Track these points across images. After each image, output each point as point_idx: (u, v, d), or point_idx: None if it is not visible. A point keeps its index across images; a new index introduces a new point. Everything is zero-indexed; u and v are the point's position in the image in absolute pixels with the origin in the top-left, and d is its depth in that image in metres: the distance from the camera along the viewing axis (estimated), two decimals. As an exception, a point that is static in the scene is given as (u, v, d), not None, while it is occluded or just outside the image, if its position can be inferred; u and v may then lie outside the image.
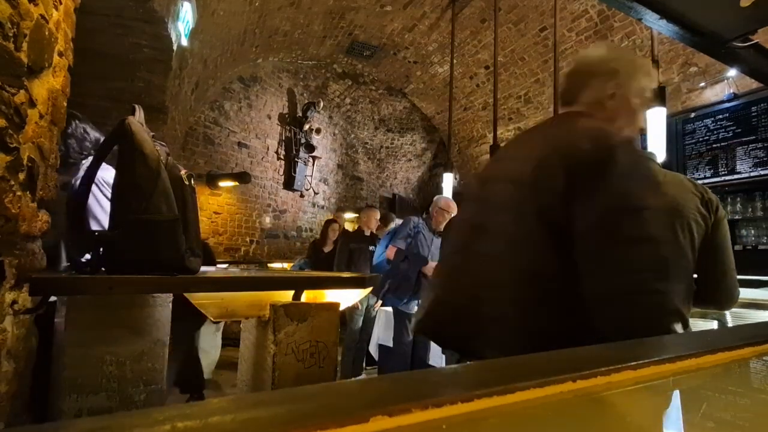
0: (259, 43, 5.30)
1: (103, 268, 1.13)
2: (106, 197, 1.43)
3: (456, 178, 6.46)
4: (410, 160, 7.80)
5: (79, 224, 1.21)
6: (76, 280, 1.06)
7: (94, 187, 1.31)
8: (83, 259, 1.14)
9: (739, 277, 1.24)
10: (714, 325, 2.03)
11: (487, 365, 0.38)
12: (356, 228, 4.31)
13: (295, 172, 6.20)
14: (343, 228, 4.86)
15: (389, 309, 3.41)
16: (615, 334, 0.69)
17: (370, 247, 3.91)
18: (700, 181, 1.90)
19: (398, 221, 4.45)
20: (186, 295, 1.21)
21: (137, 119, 1.21)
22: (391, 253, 3.29)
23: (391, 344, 3.38)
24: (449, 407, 0.25)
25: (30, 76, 0.93)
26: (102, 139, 1.57)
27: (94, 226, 1.37)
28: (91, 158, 1.50)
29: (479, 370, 0.37)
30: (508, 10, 4.85)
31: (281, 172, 6.21)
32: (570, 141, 0.87)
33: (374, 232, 4.12)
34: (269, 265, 5.43)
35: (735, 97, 4.10)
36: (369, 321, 3.79)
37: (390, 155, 7.65)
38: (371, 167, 7.54)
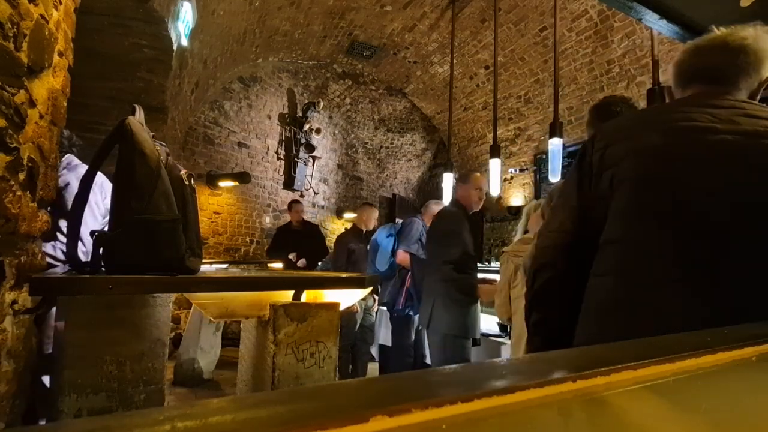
0: (259, 43, 5.30)
1: (103, 268, 1.13)
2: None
3: (456, 178, 6.44)
4: (410, 160, 7.80)
5: (77, 224, 1.21)
6: (76, 280, 1.05)
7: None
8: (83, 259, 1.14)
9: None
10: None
11: (487, 365, 0.38)
12: (351, 226, 4.23)
13: (295, 172, 6.20)
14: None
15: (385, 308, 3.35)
16: None
17: (368, 247, 3.88)
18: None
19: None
20: (186, 295, 1.21)
21: (137, 119, 1.21)
22: (405, 259, 3.03)
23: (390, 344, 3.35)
24: (449, 407, 0.25)
25: (30, 76, 0.93)
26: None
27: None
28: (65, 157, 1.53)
29: (479, 370, 0.37)
30: (508, 10, 4.85)
31: (281, 172, 6.21)
32: None
33: (369, 230, 4.08)
34: (269, 265, 5.43)
35: (735, 97, 4.08)
36: (368, 324, 3.75)
37: (390, 155, 7.65)
38: (371, 167, 7.54)
